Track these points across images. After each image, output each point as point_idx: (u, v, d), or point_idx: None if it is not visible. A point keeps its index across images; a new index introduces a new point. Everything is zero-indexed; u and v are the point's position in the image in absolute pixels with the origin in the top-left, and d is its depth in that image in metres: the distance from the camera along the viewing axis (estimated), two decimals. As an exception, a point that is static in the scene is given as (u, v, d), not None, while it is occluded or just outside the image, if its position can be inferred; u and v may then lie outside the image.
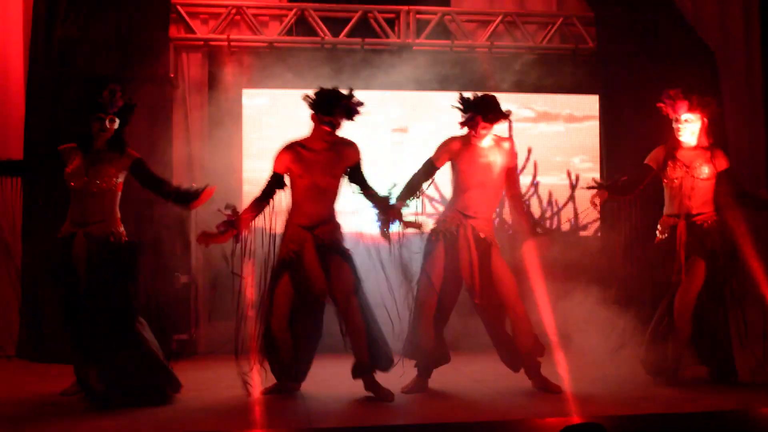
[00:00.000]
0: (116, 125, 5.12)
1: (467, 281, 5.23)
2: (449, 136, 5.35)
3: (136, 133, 6.11)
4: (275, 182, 5.20)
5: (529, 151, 7.55)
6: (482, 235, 5.25)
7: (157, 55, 6.88)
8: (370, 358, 5.05)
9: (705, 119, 5.49)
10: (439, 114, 7.26)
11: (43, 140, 6.28)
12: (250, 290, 5.12)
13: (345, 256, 5.13)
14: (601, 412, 4.57)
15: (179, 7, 7.23)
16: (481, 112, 5.16)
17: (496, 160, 5.29)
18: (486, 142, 5.27)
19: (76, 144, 5.12)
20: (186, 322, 7.06)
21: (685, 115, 5.46)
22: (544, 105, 7.68)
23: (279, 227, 5.22)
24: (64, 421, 4.50)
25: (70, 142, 5.14)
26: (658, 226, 5.59)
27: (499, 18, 7.59)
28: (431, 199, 7.13)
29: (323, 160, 5.11)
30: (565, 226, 7.56)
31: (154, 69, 6.85)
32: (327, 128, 5.07)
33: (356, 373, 5.10)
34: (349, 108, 5.07)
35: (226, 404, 4.91)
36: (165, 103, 6.95)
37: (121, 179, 5.11)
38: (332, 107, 5.03)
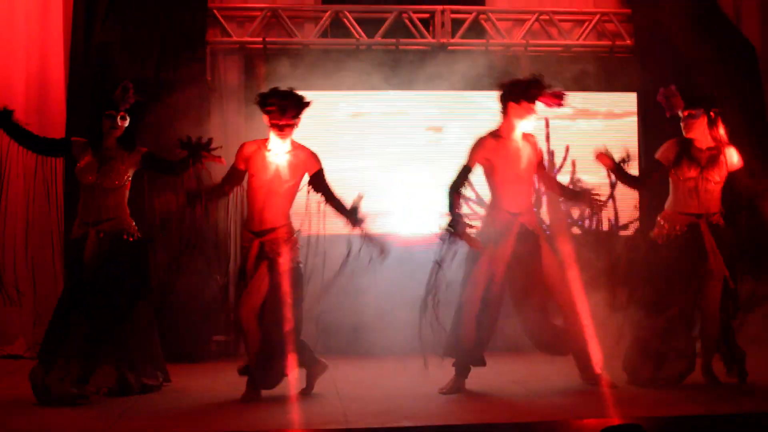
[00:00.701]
0: (126, 123, 5.16)
1: (496, 271, 5.18)
2: (479, 137, 5.32)
3: (174, 135, 6.19)
4: (233, 176, 5.16)
5: (567, 149, 7.47)
6: (531, 228, 5.27)
7: (194, 58, 6.95)
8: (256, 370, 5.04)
9: (710, 114, 5.36)
10: (474, 113, 7.24)
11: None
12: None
13: (288, 272, 5.03)
14: (640, 413, 4.52)
15: (215, 11, 7.30)
16: (522, 94, 5.19)
17: (526, 152, 5.31)
18: (515, 135, 5.27)
19: (86, 140, 5.17)
20: (225, 323, 7.11)
21: (688, 112, 5.37)
22: (582, 102, 7.59)
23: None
24: (103, 419, 4.59)
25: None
26: (663, 222, 5.44)
27: (535, 16, 7.55)
28: (467, 199, 7.09)
29: (279, 163, 5.05)
30: (605, 226, 7.48)
31: (192, 72, 6.92)
32: (275, 129, 5.01)
33: (242, 372, 5.12)
34: (282, 107, 4.95)
35: (264, 404, 4.95)
36: (202, 105, 7.00)
37: (130, 176, 5.17)
38: (269, 107, 4.98)
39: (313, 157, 5.14)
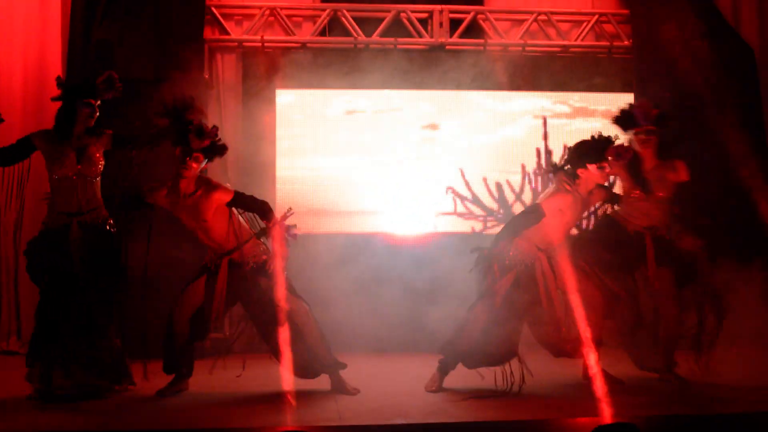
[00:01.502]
0: (97, 114, 5.07)
1: (547, 309, 5.20)
2: (562, 192, 5.27)
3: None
4: (139, 204, 5.14)
5: (565, 147, 7.48)
6: (553, 259, 5.27)
7: (192, 57, 6.95)
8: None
9: (659, 133, 5.49)
10: (470, 112, 7.25)
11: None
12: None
13: (268, 275, 5.07)
14: (634, 413, 4.51)
15: (214, 9, 7.31)
16: (589, 159, 5.21)
17: (589, 203, 5.42)
18: (586, 190, 5.31)
19: (52, 130, 5.05)
20: (221, 321, 7.09)
21: (646, 128, 5.47)
22: (581, 101, 7.61)
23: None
24: (109, 414, 4.58)
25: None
26: (618, 209, 5.58)
27: (533, 16, 7.55)
28: (462, 198, 7.10)
29: (190, 204, 5.04)
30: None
31: (189, 70, 6.91)
32: (185, 163, 4.98)
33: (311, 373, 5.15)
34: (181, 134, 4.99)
35: (259, 401, 4.95)
36: (199, 103, 6.99)
37: (104, 162, 5.08)
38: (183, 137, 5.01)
39: (222, 190, 5.08)
